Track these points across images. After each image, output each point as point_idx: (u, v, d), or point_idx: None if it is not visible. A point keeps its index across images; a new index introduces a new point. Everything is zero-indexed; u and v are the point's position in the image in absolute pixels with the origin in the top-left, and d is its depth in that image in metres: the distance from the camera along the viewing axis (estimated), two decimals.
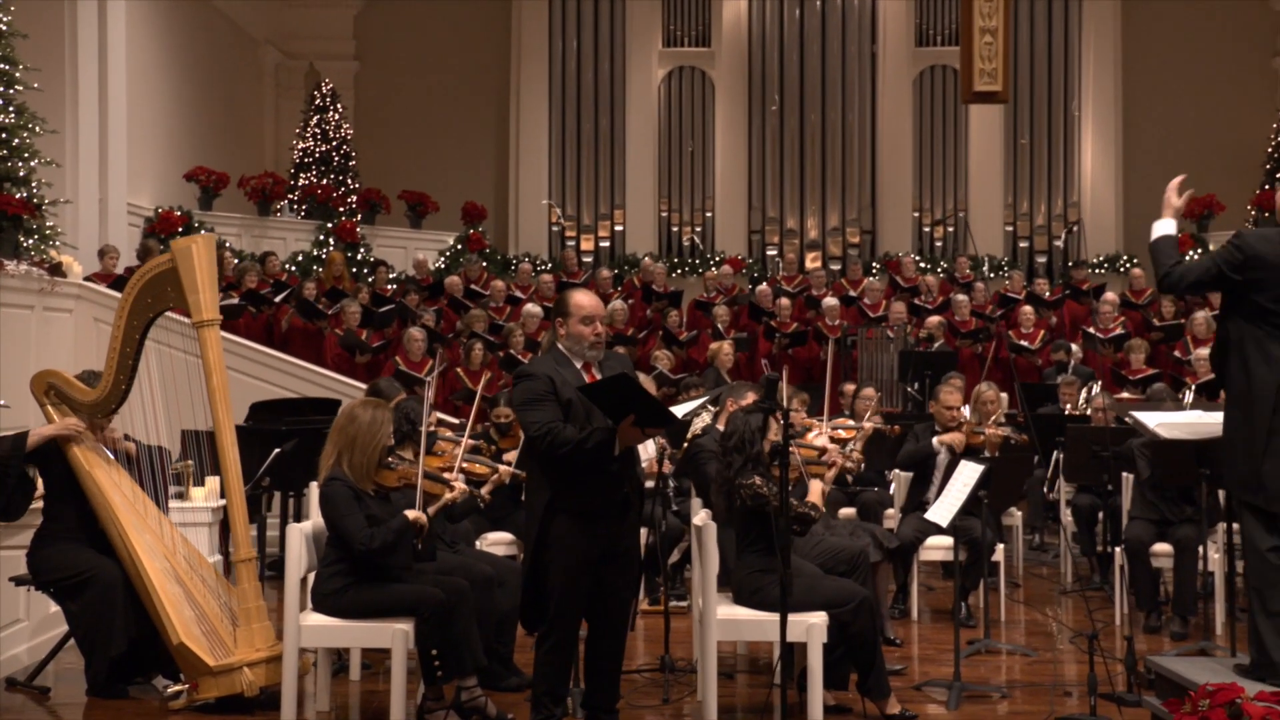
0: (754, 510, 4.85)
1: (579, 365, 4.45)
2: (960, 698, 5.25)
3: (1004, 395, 10.56)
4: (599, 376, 4.40)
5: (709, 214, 16.15)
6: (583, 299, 4.49)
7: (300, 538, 4.76)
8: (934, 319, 11.73)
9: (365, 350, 10.58)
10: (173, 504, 6.34)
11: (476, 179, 16.33)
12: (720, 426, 6.22)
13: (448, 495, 5.08)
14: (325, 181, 14.95)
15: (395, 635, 4.71)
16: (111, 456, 5.51)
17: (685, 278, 15.26)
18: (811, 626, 4.77)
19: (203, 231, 4.76)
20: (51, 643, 5.90)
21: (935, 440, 7.09)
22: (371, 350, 10.60)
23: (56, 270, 8.67)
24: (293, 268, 13.34)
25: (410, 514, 4.88)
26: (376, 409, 4.88)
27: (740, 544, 4.92)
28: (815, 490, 5.21)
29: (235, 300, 10.78)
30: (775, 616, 4.75)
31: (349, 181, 15.22)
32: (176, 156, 13.70)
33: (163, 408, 5.40)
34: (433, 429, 5.57)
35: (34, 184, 8.55)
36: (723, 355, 10.60)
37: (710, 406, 6.98)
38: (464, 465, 5.45)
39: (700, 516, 5.08)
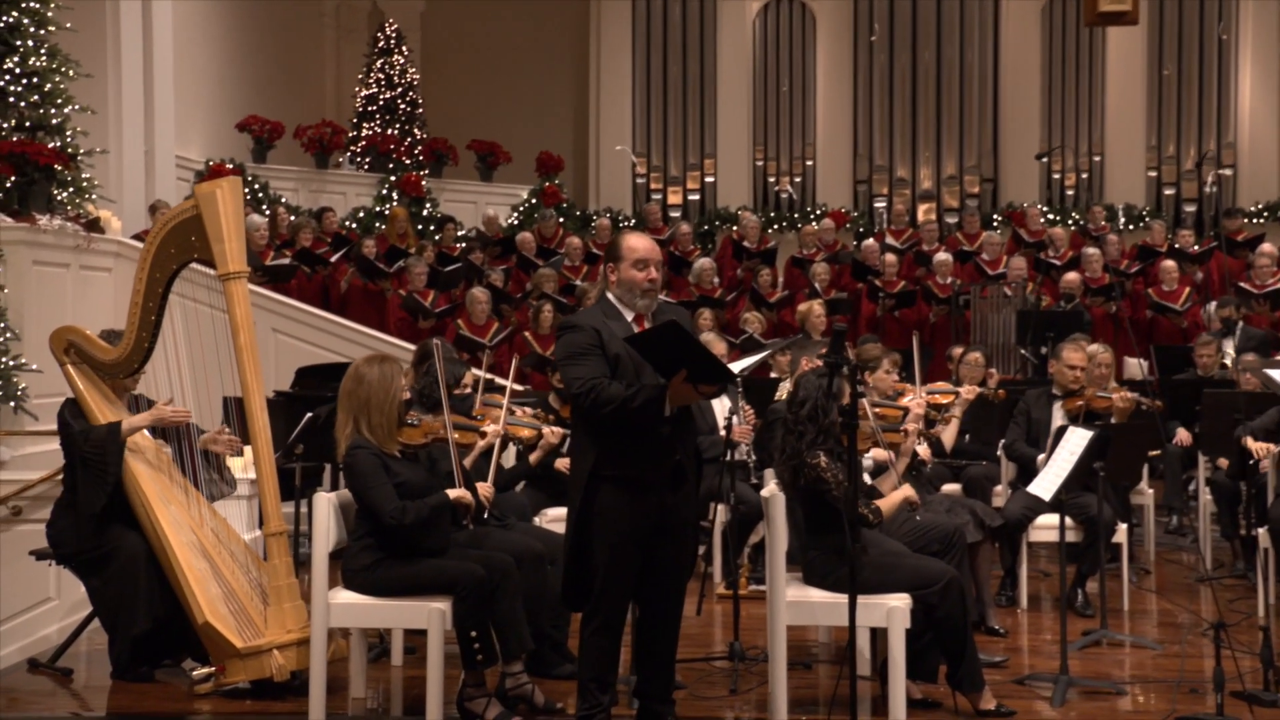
0: (820, 494, 4.75)
1: (630, 317, 4.38)
2: (1067, 693, 5.09)
3: (1139, 360, 10.24)
4: None
5: (809, 162, 15.93)
6: (636, 241, 4.41)
7: (328, 507, 4.77)
8: (1071, 276, 11.39)
9: (428, 314, 10.64)
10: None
11: (553, 127, 16.31)
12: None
13: (481, 442, 5.08)
14: (390, 131, 15.05)
15: (431, 615, 4.70)
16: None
17: (783, 233, 15.08)
18: (892, 610, 4.65)
19: (220, 182, 4.76)
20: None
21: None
22: (435, 314, 10.65)
23: (94, 226, 8.81)
24: (353, 224, 13.48)
25: (453, 493, 4.87)
26: (383, 364, 4.88)
27: (808, 520, 4.81)
28: (891, 492, 5.10)
29: (288, 260, 10.90)
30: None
31: (415, 131, 15.32)
32: (228, 105, 13.92)
33: (189, 368, 5.46)
34: (468, 391, 5.56)
35: (68, 133, 8.71)
36: (814, 317, 10.39)
37: (792, 370, 6.85)
38: (507, 428, 5.42)
39: (770, 487, 4.98)
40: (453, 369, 5.56)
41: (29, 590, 6.88)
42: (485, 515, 5.29)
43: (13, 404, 7.66)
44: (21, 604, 6.89)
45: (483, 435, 5.17)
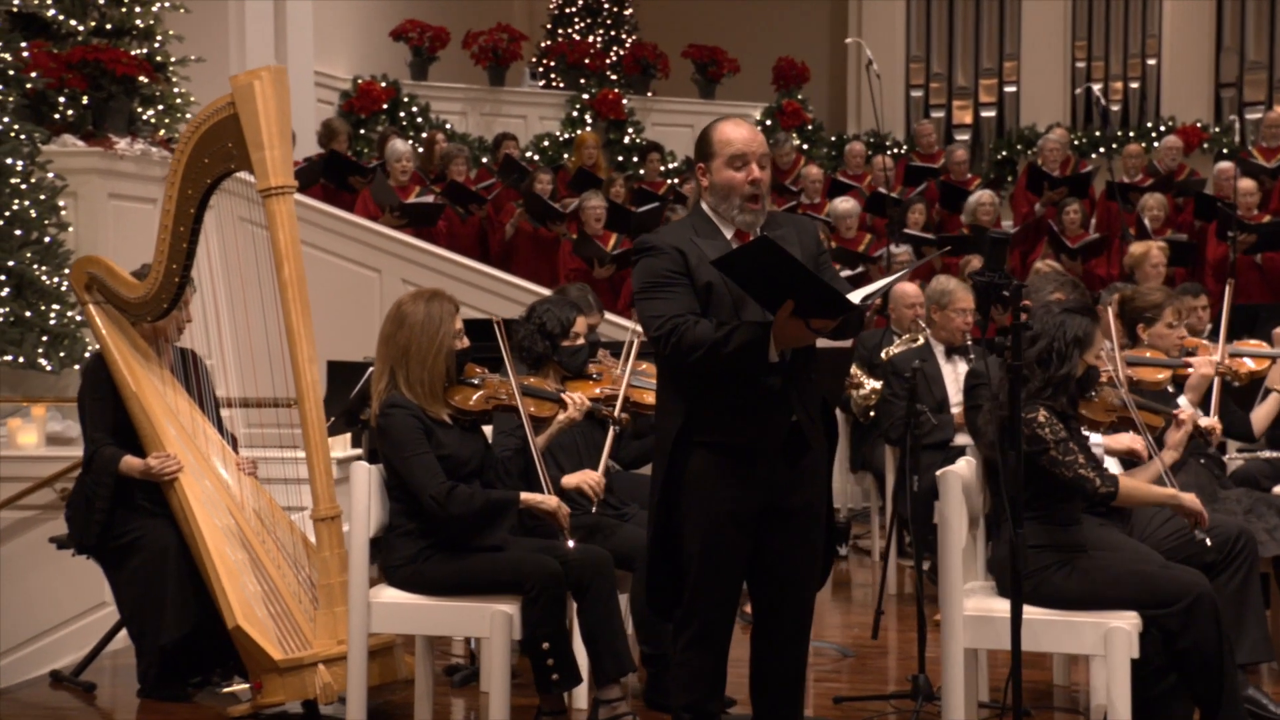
0: (1030, 457, 4.51)
1: (729, 234, 4.25)
2: None
3: None
4: None
5: (1151, 62, 15.40)
6: (732, 131, 4.32)
7: (368, 479, 4.84)
8: None
9: (604, 258, 10.66)
10: (284, 453, 6.65)
11: (798, 26, 16.23)
12: None
13: (561, 416, 5.05)
14: (591, 39, 15.20)
15: (495, 619, 4.71)
16: (168, 373, 5.80)
17: (1110, 159, 14.51)
18: (1111, 632, 4.40)
19: (260, 72, 4.81)
20: None
21: None
22: (612, 258, 10.66)
23: None
24: (534, 155, 13.70)
25: (529, 498, 4.87)
26: (432, 301, 4.89)
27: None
28: (1150, 468, 4.85)
29: (433, 197, 11.12)
30: (1057, 615, 4.49)
31: (624, 38, 15.43)
32: (381, 8, 14.32)
33: (227, 307, 5.63)
34: (580, 342, 5.54)
35: (158, 38, 9.16)
36: (1149, 264, 9.84)
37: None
38: (628, 391, 5.39)
39: (959, 464, 4.78)
40: (561, 313, 5.54)
41: (80, 593, 7.26)
42: (594, 509, 5.27)
43: (78, 367, 8.12)
44: (71, 610, 7.29)
45: (564, 406, 5.13)
